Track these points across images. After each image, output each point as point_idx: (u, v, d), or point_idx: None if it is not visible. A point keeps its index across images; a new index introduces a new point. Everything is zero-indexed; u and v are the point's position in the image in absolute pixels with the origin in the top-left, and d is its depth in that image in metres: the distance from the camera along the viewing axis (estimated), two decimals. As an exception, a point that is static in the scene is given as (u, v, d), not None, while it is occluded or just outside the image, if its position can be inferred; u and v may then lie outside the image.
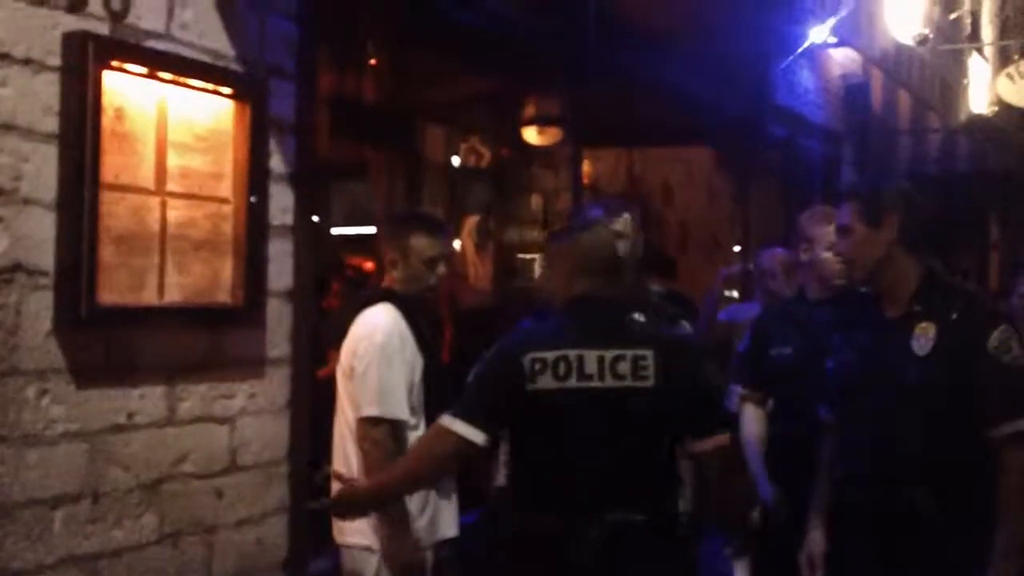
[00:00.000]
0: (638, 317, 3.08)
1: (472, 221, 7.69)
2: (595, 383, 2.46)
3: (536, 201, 8.29)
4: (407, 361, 2.99)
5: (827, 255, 3.40)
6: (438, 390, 3.01)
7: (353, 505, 2.77)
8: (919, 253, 2.69)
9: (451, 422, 2.51)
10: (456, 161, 7.49)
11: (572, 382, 2.45)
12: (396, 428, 2.95)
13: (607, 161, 9.61)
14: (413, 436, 2.98)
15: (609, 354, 2.46)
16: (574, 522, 2.44)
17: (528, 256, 7.52)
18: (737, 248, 8.98)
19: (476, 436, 2.49)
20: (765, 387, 3.53)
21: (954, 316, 2.59)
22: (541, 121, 6.63)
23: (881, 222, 2.67)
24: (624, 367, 2.46)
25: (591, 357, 2.46)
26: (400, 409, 2.94)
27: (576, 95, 5.98)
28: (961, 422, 2.54)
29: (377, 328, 3.00)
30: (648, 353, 2.47)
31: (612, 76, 5.66)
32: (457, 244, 7.47)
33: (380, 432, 2.91)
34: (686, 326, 3.30)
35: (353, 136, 5.96)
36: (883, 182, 2.90)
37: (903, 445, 2.60)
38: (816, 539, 2.86)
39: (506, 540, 2.60)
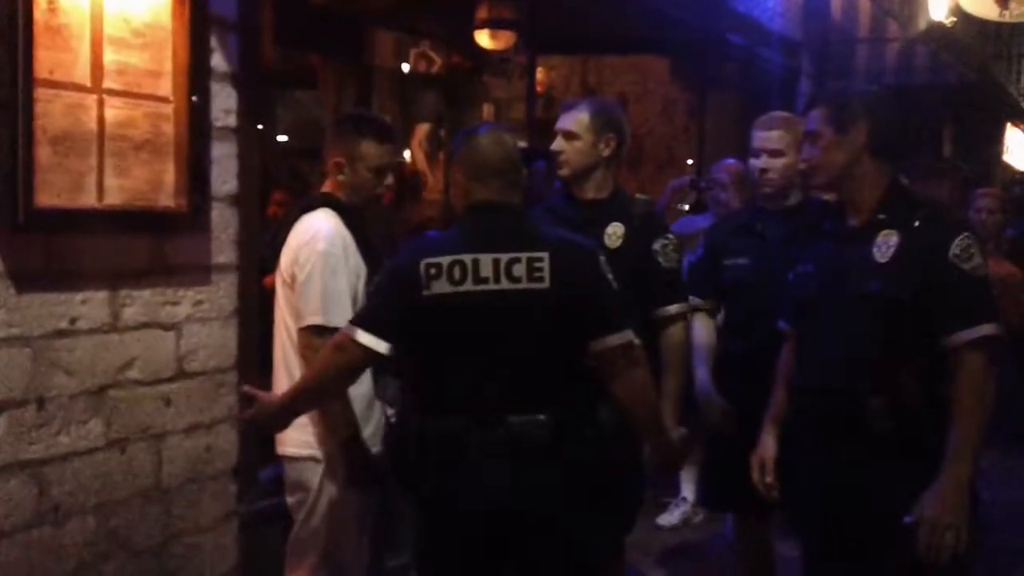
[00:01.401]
0: (616, 228, 3.17)
1: (423, 130, 7.58)
2: (490, 286, 2.47)
3: (488, 110, 8.18)
4: (351, 269, 2.91)
5: (758, 162, 3.38)
6: None
7: (269, 419, 2.75)
8: (885, 162, 2.68)
9: (354, 332, 2.51)
10: (406, 68, 7.34)
11: (468, 285, 2.47)
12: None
13: (560, 71, 9.48)
14: None
15: (505, 257, 2.48)
16: (477, 425, 2.47)
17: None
18: (691, 161, 8.96)
19: (379, 346, 2.51)
20: (716, 298, 3.53)
21: (917, 224, 2.59)
22: (494, 24, 6.49)
23: (849, 128, 2.65)
24: (519, 269, 2.47)
25: (486, 260, 2.48)
26: (343, 317, 2.82)
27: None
28: (919, 332, 2.55)
29: (319, 234, 2.90)
30: (544, 255, 2.49)
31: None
32: (408, 154, 7.36)
33: (324, 341, 2.80)
34: (670, 238, 3.27)
35: (299, 41, 5.79)
36: (852, 87, 2.86)
37: (862, 355, 2.60)
38: (768, 444, 2.89)
39: (411, 444, 2.60)
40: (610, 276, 2.58)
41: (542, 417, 2.49)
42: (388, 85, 7.31)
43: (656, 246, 3.20)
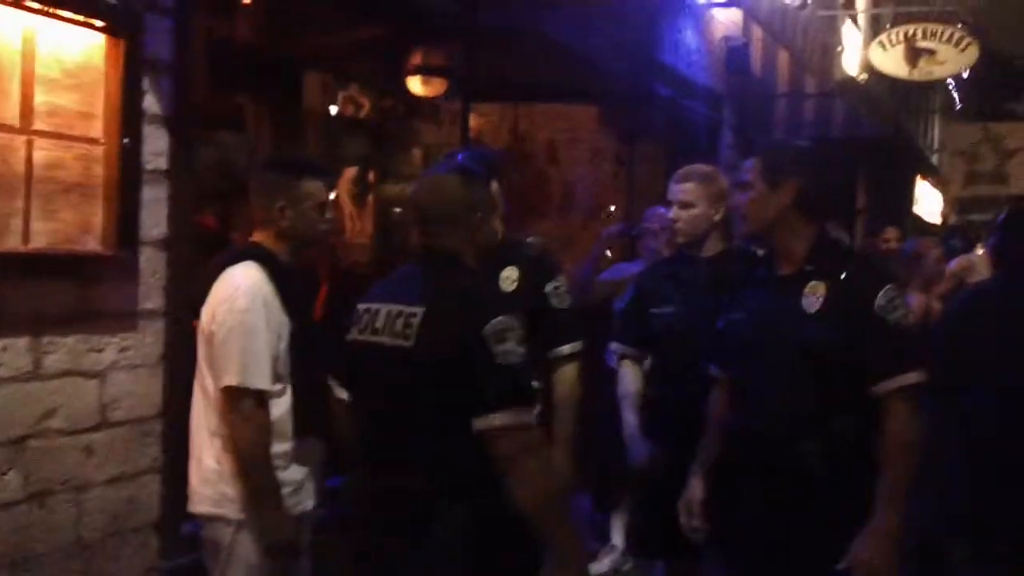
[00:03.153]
0: (511, 272, 3.14)
1: (350, 174, 7.52)
2: (378, 338, 2.35)
3: (418, 155, 8.17)
4: (272, 327, 2.77)
5: (671, 213, 3.47)
6: (308, 355, 2.83)
7: None
8: (813, 215, 2.75)
9: (329, 378, 2.50)
10: (334, 110, 7.30)
11: (365, 334, 2.40)
12: (259, 398, 2.73)
13: (490, 117, 9.52)
14: (280, 404, 2.80)
15: (395, 308, 2.35)
16: (361, 482, 2.43)
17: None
18: (612, 208, 9.06)
19: (342, 393, 2.48)
20: (644, 346, 3.56)
21: (843, 276, 2.66)
22: (426, 71, 6.50)
23: (780, 183, 2.72)
24: (400, 323, 2.32)
25: (384, 311, 2.38)
26: (263, 379, 2.72)
27: (464, 47, 5.88)
28: (849, 380, 2.60)
29: (239, 292, 2.75)
30: (418, 311, 2.29)
31: (498, 29, 5.59)
32: (334, 197, 7.29)
33: (244, 404, 2.70)
34: (562, 280, 3.32)
35: (230, 83, 5.72)
36: (787, 143, 2.95)
37: (794, 402, 2.65)
38: (696, 487, 2.91)
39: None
40: (503, 347, 2.22)
41: (409, 481, 2.29)
42: (316, 128, 7.26)
43: (549, 288, 3.26)
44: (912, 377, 2.58)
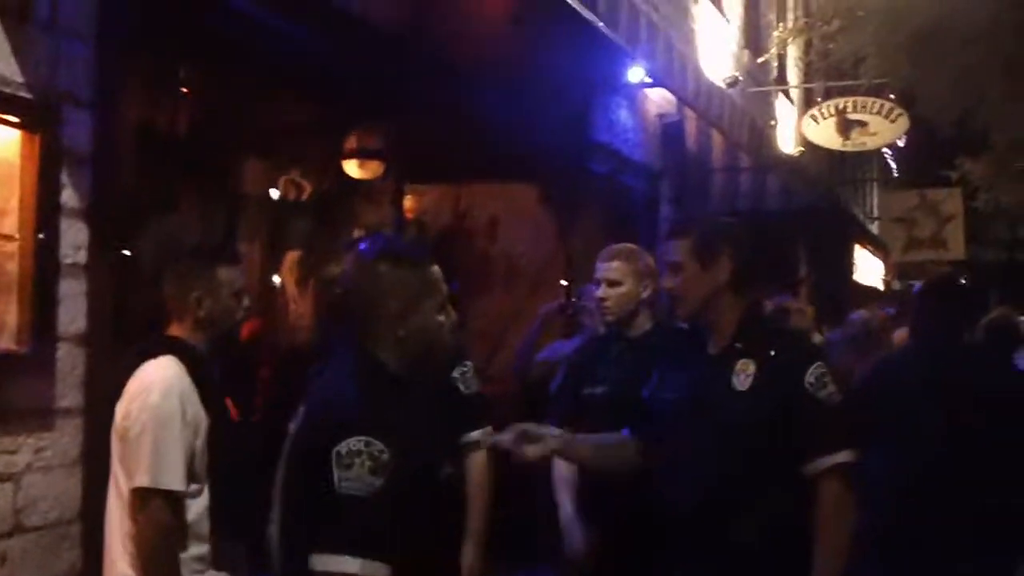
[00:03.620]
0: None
1: (293, 256, 7.48)
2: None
3: (359, 236, 8.15)
4: (188, 423, 2.67)
5: (599, 291, 3.45)
6: (227, 451, 2.76)
7: None
8: (747, 292, 2.74)
9: None
10: (275, 194, 7.28)
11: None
12: (171, 499, 2.63)
13: (432, 196, 9.55)
14: (196, 504, 2.69)
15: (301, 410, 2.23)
16: None
17: (351, 292, 7.33)
18: (563, 283, 9.08)
19: None
20: (576, 426, 3.52)
21: (772, 353, 2.64)
22: (362, 154, 6.52)
23: (711, 263, 2.70)
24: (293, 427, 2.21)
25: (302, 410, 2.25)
26: (175, 479, 2.62)
27: (397, 129, 5.92)
28: (780, 457, 2.58)
29: (152, 386, 2.67)
30: (299, 420, 2.17)
31: (433, 110, 5.63)
32: (277, 280, 7.24)
33: (154, 506, 2.59)
34: (469, 365, 3.32)
35: (162, 169, 5.67)
36: (715, 220, 2.93)
37: (726, 481, 2.61)
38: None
39: None
40: (347, 474, 1.91)
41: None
42: (257, 211, 7.22)
43: (456, 374, 3.25)
44: (843, 456, 2.57)
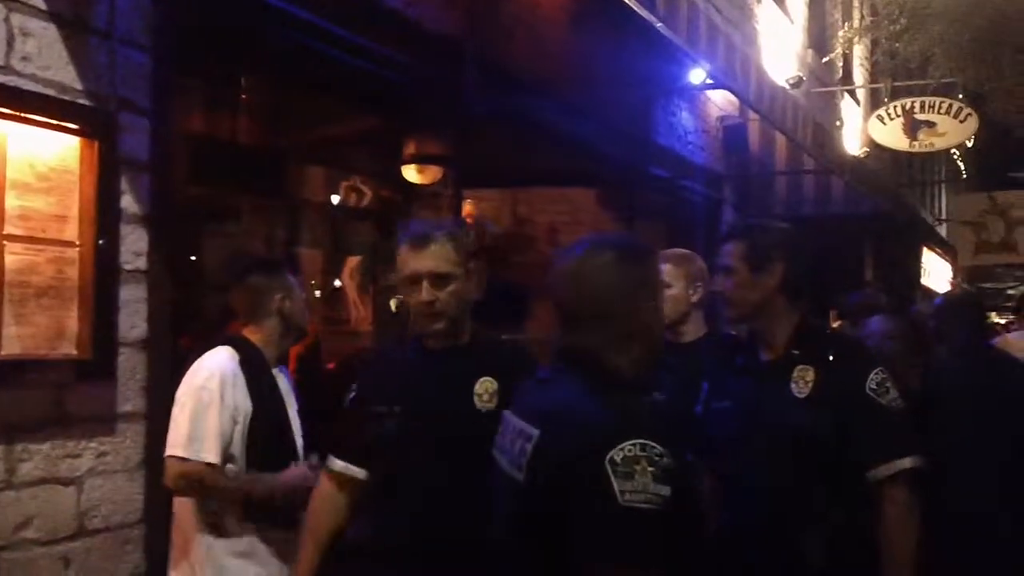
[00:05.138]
0: (487, 386, 2.50)
1: (354, 262, 7.53)
2: (500, 457, 2.00)
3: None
4: (226, 406, 2.81)
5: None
6: (265, 441, 2.88)
7: None
8: (798, 299, 2.67)
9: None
10: (336, 200, 7.34)
11: (495, 450, 2.08)
12: (206, 469, 2.77)
13: (492, 201, 9.55)
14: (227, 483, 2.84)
15: (519, 425, 1.97)
16: None
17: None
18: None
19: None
20: None
21: (831, 359, 2.58)
22: (421, 160, 6.52)
23: (765, 268, 2.64)
24: (517, 447, 1.93)
25: (511, 425, 2.00)
26: (210, 452, 2.77)
27: (457, 136, 5.91)
28: (842, 466, 2.51)
29: (199, 370, 2.86)
30: (534, 434, 1.90)
31: (494, 118, 5.61)
32: (339, 285, 7.30)
33: (189, 469, 2.76)
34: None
35: (222, 178, 5.74)
36: (770, 225, 2.84)
37: (792, 493, 2.53)
38: None
39: None
40: (630, 484, 1.69)
41: None
42: (318, 218, 7.28)
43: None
44: (908, 462, 2.50)
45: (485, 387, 2.41)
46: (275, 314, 2.98)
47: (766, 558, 2.55)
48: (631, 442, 1.67)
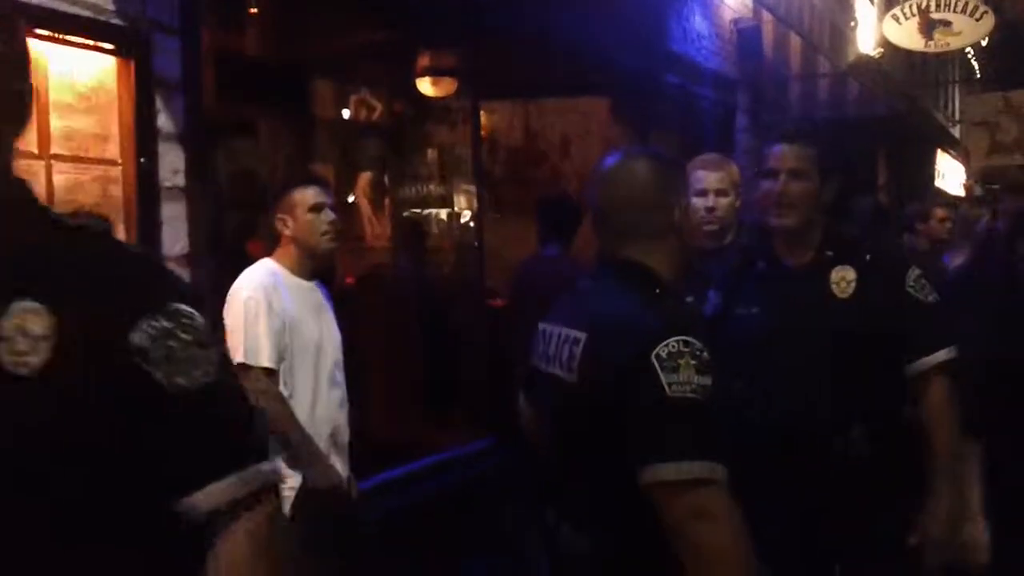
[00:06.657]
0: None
1: (366, 178, 7.55)
2: (550, 368, 2.01)
3: (432, 156, 8.18)
4: (275, 312, 3.08)
5: (706, 201, 3.28)
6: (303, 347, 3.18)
7: None
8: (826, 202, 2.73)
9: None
10: (347, 115, 7.32)
11: (541, 362, 2.08)
12: (265, 373, 3.07)
13: (502, 114, 9.52)
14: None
15: (565, 333, 1.98)
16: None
17: (425, 212, 7.42)
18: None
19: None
20: None
21: (868, 258, 2.65)
22: (435, 72, 6.52)
23: (830, 177, 2.68)
24: (566, 352, 1.95)
25: (556, 334, 2.01)
26: (266, 357, 3.05)
27: (471, 46, 5.90)
28: (886, 360, 2.60)
29: (242, 283, 3.12)
30: (581, 337, 1.92)
31: (505, 26, 5.59)
32: (351, 200, 7.34)
33: (252, 376, 2.99)
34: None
35: (239, 93, 5.76)
36: (827, 130, 2.89)
37: (837, 390, 2.58)
38: None
39: None
40: (677, 377, 1.75)
41: (583, 543, 1.96)
42: (329, 134, 7.29)
43: None
44: (948, 353, 2.61)
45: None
46: (282, 233, 3.27)
47: (804, 459, 2.58)
48: (675, 339, 1.76)
